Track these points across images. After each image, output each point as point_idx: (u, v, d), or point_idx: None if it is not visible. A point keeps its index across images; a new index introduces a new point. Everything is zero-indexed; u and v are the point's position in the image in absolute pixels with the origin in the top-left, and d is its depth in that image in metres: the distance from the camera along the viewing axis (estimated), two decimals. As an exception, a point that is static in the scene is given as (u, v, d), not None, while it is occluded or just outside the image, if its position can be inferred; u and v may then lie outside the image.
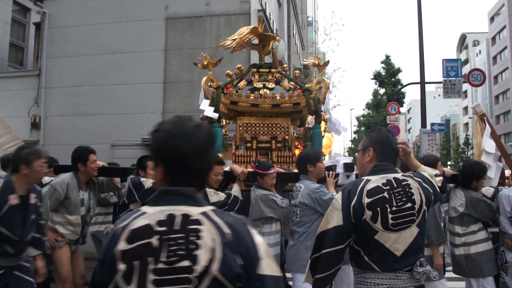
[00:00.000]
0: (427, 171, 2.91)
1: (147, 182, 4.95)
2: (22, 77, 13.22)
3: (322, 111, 5.46)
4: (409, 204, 2.54)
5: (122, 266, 1.45)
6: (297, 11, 23.73)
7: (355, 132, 46.20)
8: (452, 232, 5.11)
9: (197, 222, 1.51)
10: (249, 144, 5.37)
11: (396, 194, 2.55)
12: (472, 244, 4.89)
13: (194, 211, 1.54)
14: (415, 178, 2.69)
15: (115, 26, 12.13)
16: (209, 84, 5.35)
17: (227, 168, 4.98)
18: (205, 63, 5.41)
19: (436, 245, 4.77)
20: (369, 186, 2.59)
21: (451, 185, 5.19)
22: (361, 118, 39.14)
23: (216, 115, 5.21)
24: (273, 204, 4.60)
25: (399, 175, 2.66)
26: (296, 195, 4.52)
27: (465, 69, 27.16)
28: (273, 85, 5.42)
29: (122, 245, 1.47)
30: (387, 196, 2.54)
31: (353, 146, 44.35)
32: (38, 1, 12.84)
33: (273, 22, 16.14)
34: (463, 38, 69.59)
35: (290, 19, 20.27)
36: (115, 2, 12.23)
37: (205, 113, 5.17)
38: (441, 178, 2.91)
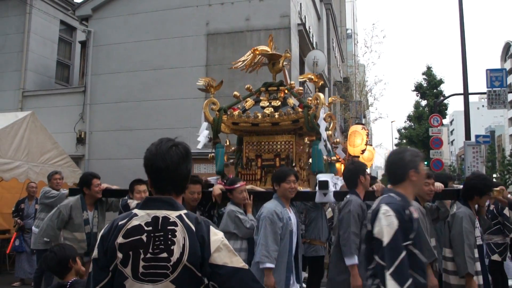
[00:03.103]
0: None
1: (132, 204, 5.21)
2: (68, 93, 13.65)
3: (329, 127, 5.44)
4: None
5: (119, 255, 1.94)
6: (336, 24, 23.67)
7: (396, 145, 45.48)
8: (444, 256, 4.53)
9: (174, 223, 1.97)
10: (253, 163, 5.47)
11: None
12: None
13: (172, 214, 2.00)
14: None
15: (157, 43, 12.41)
16: (211, 107, 5.47)
17: (210, 189, 5.06)
18: (207, 87, 5.53)
19: (428, 265, 3.98)
20: None
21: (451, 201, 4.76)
22: (403, 130, 38.54)
23: (203, 141, 5.45)
24: (238, 222, 4.72)
25: None
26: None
27: (510, 79, 26.47)
28: (279, 103, 5.42)
29: (120, 240, 1.96)
30: None
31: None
32: (83, 21, 13.27)
33: (312, 36, 16.16)
34: (507, 47, 67.77)
35: (329, 32, 20.24)
36: (157, 19, 12.52)
37: (198, 139, 5.36)
38: None
